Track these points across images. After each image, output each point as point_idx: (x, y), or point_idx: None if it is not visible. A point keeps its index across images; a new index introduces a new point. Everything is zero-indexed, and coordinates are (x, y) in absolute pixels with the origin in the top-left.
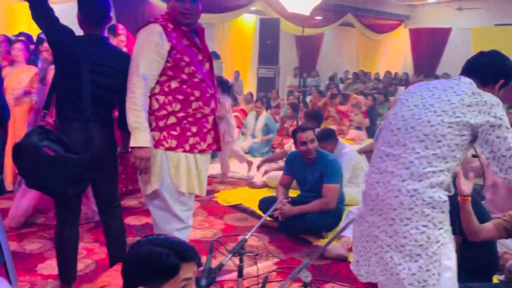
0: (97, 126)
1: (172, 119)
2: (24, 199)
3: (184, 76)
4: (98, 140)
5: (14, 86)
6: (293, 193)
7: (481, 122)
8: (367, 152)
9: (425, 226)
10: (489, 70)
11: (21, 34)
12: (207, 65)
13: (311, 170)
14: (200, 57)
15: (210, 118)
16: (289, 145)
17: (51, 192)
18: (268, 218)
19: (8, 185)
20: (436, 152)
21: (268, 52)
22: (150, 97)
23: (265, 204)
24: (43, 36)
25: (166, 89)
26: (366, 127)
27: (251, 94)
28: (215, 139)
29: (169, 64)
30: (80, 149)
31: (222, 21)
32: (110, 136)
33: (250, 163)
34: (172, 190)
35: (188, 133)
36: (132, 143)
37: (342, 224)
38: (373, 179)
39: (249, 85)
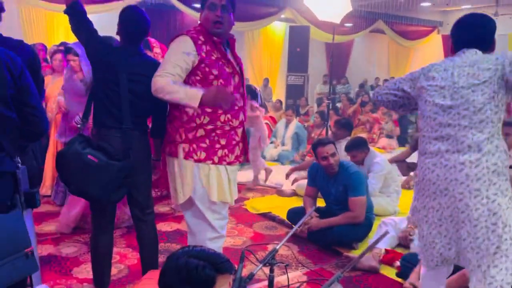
0: (135, 134)
1: (201, 132)
2: (77, 206)
3: None
4: (137, 148)
5: (56, 95)
6: (321, 202)
7: (502, 60)
8: (399, 162)
9: (495, 194)
10: (489, 40)
11: (62, 44)
12: (236, 78)
13: (333, 182)
14: (229, 70)
15: (239, 131)
16: None
17: (93, 198)
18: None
19: (47, 189)
20: (482, 118)
21: (297, 59)
22: (179, 109)
23: (294, 215)
24: (71, 45)
25: None
26: (397, 135)
27: (280, 102)
28: (243, 151)
29: (198, 77)
30: (121, 156)
31: (252, 29)
32: (146, 144)
33: (268, 171)
34: (204, 199)
35: (217, 146)
36: (194, 102)
37: (374, 235)
38: (427, 164)
39: (278, 93)
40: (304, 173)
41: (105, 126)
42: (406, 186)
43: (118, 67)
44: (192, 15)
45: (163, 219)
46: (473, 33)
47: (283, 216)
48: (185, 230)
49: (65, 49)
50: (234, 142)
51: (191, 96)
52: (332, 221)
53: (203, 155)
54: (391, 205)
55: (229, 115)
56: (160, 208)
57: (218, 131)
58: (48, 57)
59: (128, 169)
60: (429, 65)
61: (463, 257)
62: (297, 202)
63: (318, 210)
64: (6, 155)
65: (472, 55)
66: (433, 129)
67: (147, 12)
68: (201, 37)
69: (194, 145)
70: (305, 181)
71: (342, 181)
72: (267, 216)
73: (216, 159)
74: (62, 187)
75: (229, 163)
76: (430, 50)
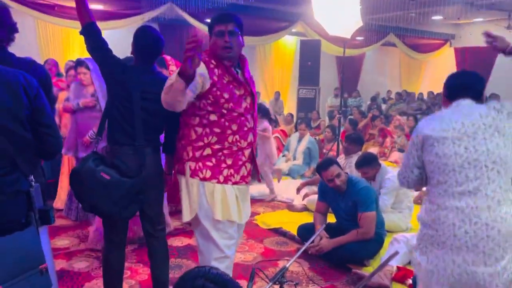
0: (148, 151)
1: (208, 151)
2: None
3: (224, 111)
4: (150, 165)
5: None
6: (331, 218)
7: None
8: None
9: None
10: (479, 89)
11: (77, 60)
12: (248, 99)
13: (343, 198)
14: (241, 92)
15: (247, 152)
16: None
17: (105, 214)
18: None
19: (62, 203)
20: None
21: (308, 73)
22: (189, 128)
23: (304, 231)
24: (84, 59)
25: (205, 121)
26: None
27: (291, 115)
28: (250, 172)
29: (209, 101)
30: (133, 173)
31: (264, 43)
32: (159, 160)
33: (272, 193)
34: (209, 216)
35: (223, 165)
36: (177, 78)
37: (385, 252)
38: (451, 219)
39: (290, 106)
40: (315, 188)
41: (118, 143)
42: (418, 201)
43: (130, 85)
44: (204, 30)
45: (174, 234)
46: (467, 84)
47: (294, 231)
48: (196, 246)
49: (77, 62)
50: (240, 163)
51: (175, 83)
52: (342, 239)
53: (208, 173)
54: (404, 221)
55: (237, 136)
56: (172, 223)
57: (225, 151)
58: (63, 72)
59: (140, 185)
60: (428, 121)
61: None
62: (308, 217)
63: (328, 227)
64: (21, 175)
65: (469, 104)
66: (458, 183)
67: (160, 27)
68: (212, 61)
69: (200, 164)
70: (316, 196)
71: (351, 197)
72: (278, 231)
73: (221, 178)
74: (75, 202)
75: (235, 183)
76: (442, 62)
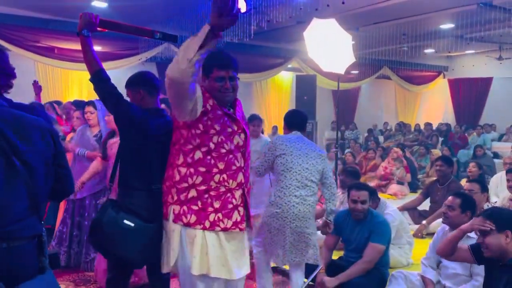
0: None
1: (192, 192)
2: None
3: (212, 145)
4: None
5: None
6: (336, 255)
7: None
8: (409, 209)
9: None
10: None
11: (75, 102)
12: (242, 136)
13: (360, 229)
14: (233, 128)
15: (237, 193)
16: None
17: (131, 262)
18: (310, 283)
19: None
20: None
21: (305, 107)
22: (173, 168)
23: (306, 267)
24: (94, 100)
25: (189, 160)
26: (408, 182)
27: None
28: (245, 216)
29: (198, 131)
30: (150, 218)
31: (260, 79)
32: None
33: None
34: (187, 271)
35: (210, 209)
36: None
37: None
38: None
39: None
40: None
41: (132, 187)
42: (418, 235)
43: (147, 130)
44: None
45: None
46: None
47: None
48: None
49: (85, 102)
50: (230, 206)
51: (191, 39)
52: (345, 276)
53: (193, 218)
54: (404, 256)
55: (224, 175)
56: None
57: (211, 193)
58: (60, 112)
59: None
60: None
61: None
62: None
63: (331, 264)
64: (38, 218)
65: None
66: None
67: (157, 66)
68: (207, 94)
69: (185, 207)
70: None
71: (368, 227)
72: (276, 270)
73: (207, 223)
74: (65, 247)
75: (224, 229)
76: (437, 94)
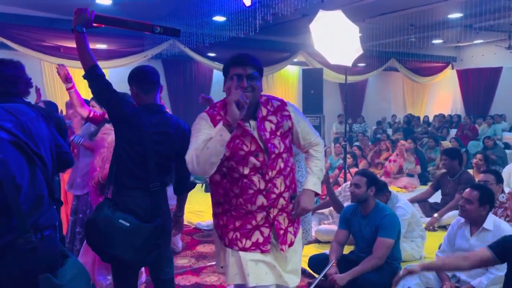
0: (163, 194)
1: (220, 208)
2: (88, 255)
3: (224, 169)
4: (165, 207)
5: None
6: (347, 249)
7: None
8: (420, 201)
9: None
10: None
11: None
12: (260, 156)
13: (367, 223)
14: (250, 148)
15: (260, 215)
16: (338, 190)
17: (127, 263)
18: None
19: None
20: None
21: (312, 101)
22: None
23: (316, 262)
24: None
25: (214, 180)
26: (418, 173)
27: None
28: (268, 239)
29: None
30: (149, 217)
31: (267, 74)
32: (167, 201)
33: None
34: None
35: (231, 226)
36: (223, 136)
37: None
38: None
39: None
40: (325, 220)
41: (127, 187)
42: (430, 228)
43: (141, 128)
44: (207, 64)
45: (181, 272)
46: None
47: (304, 265)
48: (203, 284)
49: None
50: (249, 226)
51: (216, 135)
52: (356, 271)
53: (220, 232)
54: (416, 250)
55: (241, 200)
56: (178, 261)
57: (233, 212)
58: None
59: (160, 229)
60: None
61: None
62: (319, 249)
63: (342, 258)
64: (54, 205)
65: None
66: None
67: (163, 63)
68: (221, 112)
69: (216, 220)
70: (325, 227)
71: (375, 221)
72: None
73: (226, 241)
74: (67, 244)
75: (243, 249)
76: (446, 85)
